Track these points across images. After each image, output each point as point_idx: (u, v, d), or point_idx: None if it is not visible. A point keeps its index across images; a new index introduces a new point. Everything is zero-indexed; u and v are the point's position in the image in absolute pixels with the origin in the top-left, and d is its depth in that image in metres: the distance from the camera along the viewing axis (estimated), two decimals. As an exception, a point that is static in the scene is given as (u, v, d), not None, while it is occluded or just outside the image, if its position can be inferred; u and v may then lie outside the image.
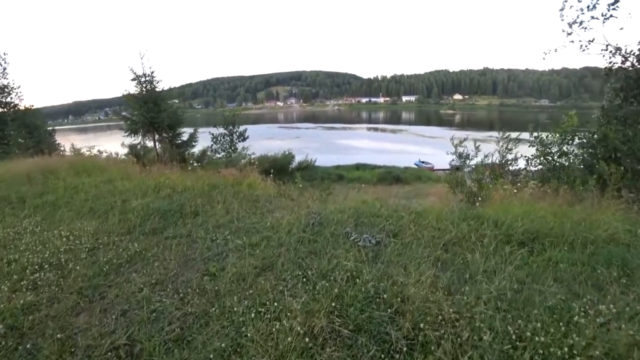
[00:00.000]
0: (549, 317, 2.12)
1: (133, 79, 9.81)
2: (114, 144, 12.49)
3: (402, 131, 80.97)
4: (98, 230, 3.98)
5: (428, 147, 51.05)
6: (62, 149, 20.00)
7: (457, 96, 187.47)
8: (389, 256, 2.84)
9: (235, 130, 20.45)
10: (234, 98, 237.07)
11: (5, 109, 17.49)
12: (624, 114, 6.28)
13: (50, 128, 22.23)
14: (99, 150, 21.95)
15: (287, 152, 29.14)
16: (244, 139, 20.73)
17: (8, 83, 17.62)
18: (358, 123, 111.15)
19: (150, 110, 9.46)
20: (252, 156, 21.97)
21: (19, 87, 17.89)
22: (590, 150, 6.50)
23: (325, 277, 2.56)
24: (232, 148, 19.67)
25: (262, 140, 56.19)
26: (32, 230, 4.27)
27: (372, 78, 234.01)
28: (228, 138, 19.99)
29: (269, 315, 2.22)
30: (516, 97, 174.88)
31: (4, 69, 17.43)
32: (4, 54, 17.45)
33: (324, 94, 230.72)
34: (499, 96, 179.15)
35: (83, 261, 3.29)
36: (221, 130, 20.41)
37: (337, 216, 3.71)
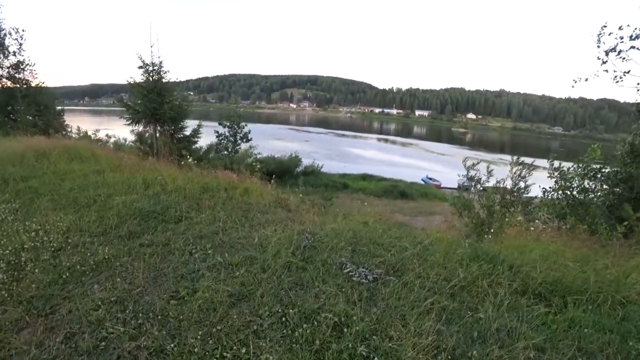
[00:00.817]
0: (576, 407, 1.72)
1: (140, 67, 9.53)
2: (125, 129, 12.25)
3: (412, 145, 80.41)
4: (71, 227, 3.64)
5: (436, 164, 50.48)
6: (69, 129, 19.88)
7: (471, 115, 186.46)
8: (387, 299, 2.44)
9: (239, 130, 20.27)
10: (249, 96, 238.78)
11: (18, 85, 17.35)
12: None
13: (60, 108, 22.06)
14: (107, 135, 21.74)
15: (294, 155, 28.93)
16: (247, 141, 20.51)
17: (23, 59, 17.51)
18: (369, 132, 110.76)
19: (153, 101, 9.14)
20: (258, 156, 21.80)
21: (34, 64, 17.77)
22: (614, 189, 6.05)
23: (308, 320, 2.17)
24: (235, 149, 19.48)
25: (272, 140, 56.20)
26: (5, 219, 3.95)
27: (386, 89, 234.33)
28: (232, 139, 19.84)
29: (233, 366, 1.84)
30: (530, 122, 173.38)
31: (20, 45, 17.32)
32: (22, 30, 17.36)
33: (337, 100, 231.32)
34: (512, 119, 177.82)
35: (44, 263, 2.94)
36: (226, 130, 20.25)
37: (333, 240, 3.31)
